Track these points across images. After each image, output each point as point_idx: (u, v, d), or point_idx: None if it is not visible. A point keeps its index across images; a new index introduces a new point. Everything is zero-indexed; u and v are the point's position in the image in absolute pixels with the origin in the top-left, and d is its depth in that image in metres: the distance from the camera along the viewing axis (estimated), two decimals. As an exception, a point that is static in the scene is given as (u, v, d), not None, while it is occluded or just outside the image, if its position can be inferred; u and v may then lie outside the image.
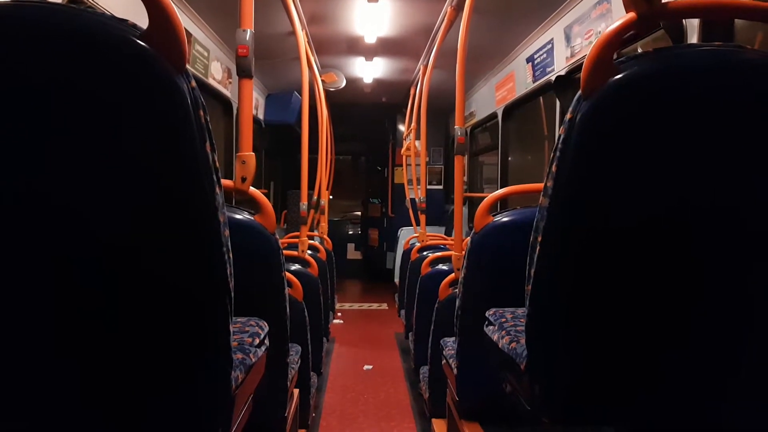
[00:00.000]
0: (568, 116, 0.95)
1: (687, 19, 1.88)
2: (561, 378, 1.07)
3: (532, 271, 1.04)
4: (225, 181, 1.30)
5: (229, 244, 0.95)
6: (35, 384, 0.94)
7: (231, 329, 0.98)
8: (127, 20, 0.80)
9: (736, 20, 1.73)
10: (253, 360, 1.17)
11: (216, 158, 0.89)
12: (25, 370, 0.93)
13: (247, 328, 1.29)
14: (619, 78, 0.90)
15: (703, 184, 0.94)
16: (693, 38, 1.88)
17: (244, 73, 1.75)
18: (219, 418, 1.01)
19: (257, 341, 1.25)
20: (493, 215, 1.86)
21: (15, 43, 0.78)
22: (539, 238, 1.01)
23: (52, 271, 0.88)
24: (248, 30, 1.75)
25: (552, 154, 0.98)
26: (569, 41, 3.15)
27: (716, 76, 0.92)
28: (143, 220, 0.87)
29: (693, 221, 0.96)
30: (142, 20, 0.81)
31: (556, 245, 0.99)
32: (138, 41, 0.78)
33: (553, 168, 0.97)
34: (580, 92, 0.93)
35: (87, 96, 0.81)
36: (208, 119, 0.86)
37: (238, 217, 1.61)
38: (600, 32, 2.76)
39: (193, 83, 0.83)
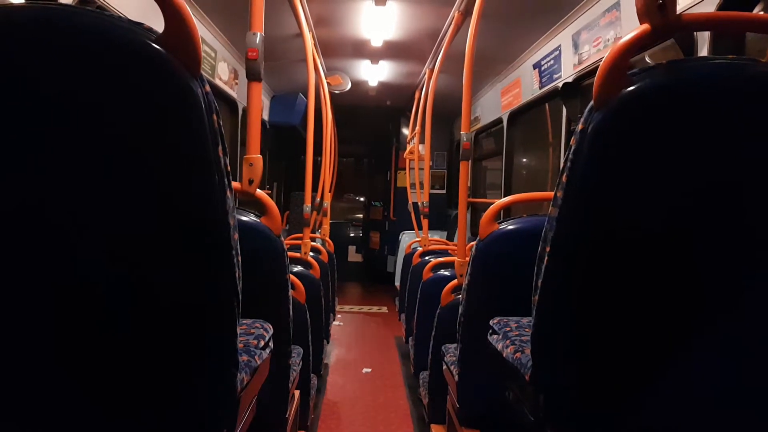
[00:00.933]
0: (579, 127, 0.94)
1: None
2: (566, 389, 1.07)
3: (540, 281, 1.03)
4: (232, 183, 1.31)
5: (238, 247, 0.95)
6: (41, 382, 0.94)
7: (237, 331, 0.98)
8: (142, 24, 0.80)
9: (747, 33, 1.73)
10: (258, 362, 1.17)
11: (227, 162, 0.89)
12: (31, 368, 0.93)
13: (252, 330, 1.29)
14: (632, 90, 0.90)
15: (716, 197, 0.94)
16: (703, 49, 1.88)
17: (253, 76, 1.76)
18: (224, 419, 1.01)
19: (262, 343, 1.25)
20: (499, 223, 1.85)
21: (29, 45, 0.78)
22: (548, 249, 1.00)
23: (61, 272, 0.88)
24: (258, 33, 1.75)
25: (562, 165, 0.98)
26: (577, 48, 3.15)
27: (729, 89, 0.91)
28: (154, 223, 0.87)
29: (705, 234, 0.95)
30: (158, 24, 0.81)
31: (565, 256, 0.99)
32: (153, 45, 0.78)
33: (564, 178, 0.97)
34: (592, 103, 0.93)
35: (101, 98, 0.81)
36: (221, 123, 0.86)
37: (244, 219, 1.61)
38: (609, 40, 2.77)
39: (207, 87, 0.84)
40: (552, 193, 1.01)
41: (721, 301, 0.99)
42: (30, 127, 0.81)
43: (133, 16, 0.86)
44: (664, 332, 1.01)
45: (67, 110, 0.80)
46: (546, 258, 1.01)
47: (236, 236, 0.93)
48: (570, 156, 0.95)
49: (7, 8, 0.80)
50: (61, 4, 0.81)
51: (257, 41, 1.74)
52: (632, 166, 0.94)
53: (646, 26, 0.91)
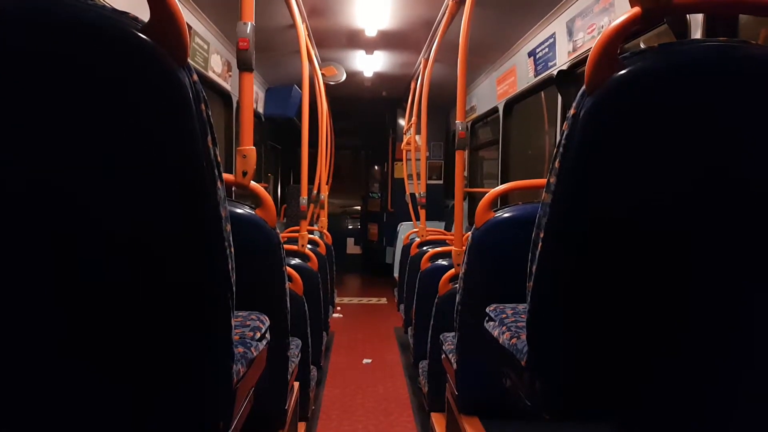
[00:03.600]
0: (571, 112, 0.94)
1: (691, 15, 1.87)
2: (561, 374, 1.07)
3: (534, 267, 1.04)
4: (225, 176, 1.30)
5: (231, 238, 0.94)
6: (36, 378, 0.94)
7: (233, 323, 0.98)
8: (128, 13, 0.79)
9: (740, 15, 1.73)
10: (255, 354, 1.17)
11: (217, 152, 0.88)
12: (26, 364, 0.93)
13: (248, 322, 1.29)
14: (624, 73, 0.89)
15: (710, 180, 0.94)
16: (696, 33, 1.88)
17: (244, 66, 1.75)
18: (220, 411, 1.01)
19: (258, 335, 1.25)
20: (495, 211, 1.85)
21: (14, 34, 0.77)
22: (541, 234, 1.00)
23: (52, 265, 0.87)
24: (249, 23, 1.74)
25: (555, 150, 0.98)
26: (571, 35, 3.14)
27: (721, 72, 0.91)
28: (143, 215, 0.86)
29: (697, 219, 0.95)
30: (143, 14, 0.80)
31: (558, 241, 0.99)
32: (139, 34, 0.78)
33: (556, 164, 0.97)
34: (584, 87, 0.92)
35: (86, 88, 0.80)
36: (210, 113, 0.86)
37: (238, 211, 1.61)
38: (603, 27, 2.75)
39: (195, 77, 0.83)
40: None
41: (717, 289, 0.99)
42: (14, 115, 0.80)
43: (119, 5, 0.85)
44: (659, 317, 1.02)
45: (52, 99, 0.80)
46: (540, 244, 1.01)
47: (228, 228, 0.93)
48: (563, 141, 0.95)
49: None
50: None
51: (248, 31, 1.73)
52: (624, 150, 0.93)
53: (636, 9, 0.90)
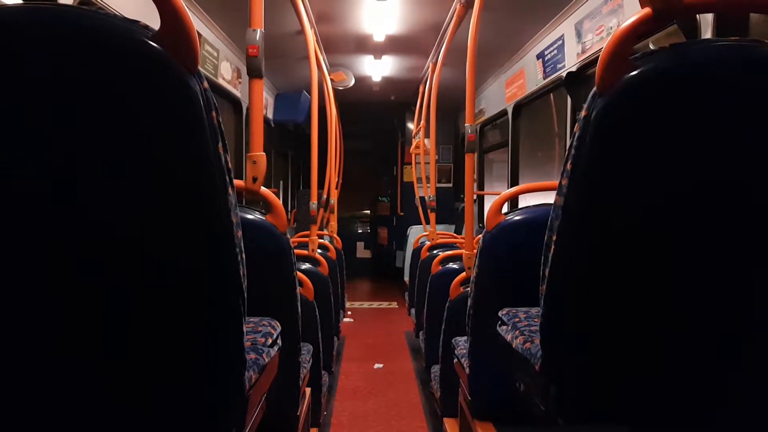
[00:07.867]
0: (582, 113, 0.93)
1: (701, 14, 1.86)
2: (576, 378, 1.06)
3: (547, 270, 1.03)
4: (236, 182, 1.30)
5: (242, 244, 0.95)
6: (44, 387, 0.94)
7: (244, 329, 0.98)
8: (138, 21, 0.80)
9: (751, 14, 1.71)
10: (266, 360, 1.17)
11: (228, 159, 0.88)
12: (36, 369, 0.93)
13: (259, 328, 1.29)
14: (635, 74, 0.88)
15: (722, 183, 0.92)
16: (707, 33, 1.86)
17: (254, 73, 1.76)
18: (232, 418, 1.01)
19: (270, 341, 1.25)
20: (505, 214, 1.85)
21: (27, 45, 0.78)
22: (554, 237, 1.00)
23: (63, 272, 0.88)
24: (258, 30, 1.75)
25: (566, 152, 0.97)
26: (580, 37, 3.13)
27: (733, 71, 0.90)
28: (155, 221, 0.87)
29: (711, 221, 0.94)
30: (154, 22, 0.80)
31: (571, 244, 0.98)
32: (150, 42, 0.78)
33: (568, 166, 0.96)
34: (595, 89, 0.92)
35: (99, 97, 0.81)
36: (221, 120, 0.86)
37: (249, 217, 1.61)
38: (611, 28, 2.74)
39: (206, 84, 0.83)
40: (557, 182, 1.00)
41: (735, 294, 0.97)
42: (27, 125, 0.81)
43: (130, 14, 0.86)
44: (675, 322, 1.00)
45: (64, 108, 0.80)
46: (553, 247, 1.00)
47: (239, 234, 0.93)
48: (574, 143, 0.94)
49: (0, 9, 0.80)
50: (56, 4, 0.81)
51: (257, 38, 1.74)
52: (636, 150, 0.92)
53: (647, 10, 0.89)
